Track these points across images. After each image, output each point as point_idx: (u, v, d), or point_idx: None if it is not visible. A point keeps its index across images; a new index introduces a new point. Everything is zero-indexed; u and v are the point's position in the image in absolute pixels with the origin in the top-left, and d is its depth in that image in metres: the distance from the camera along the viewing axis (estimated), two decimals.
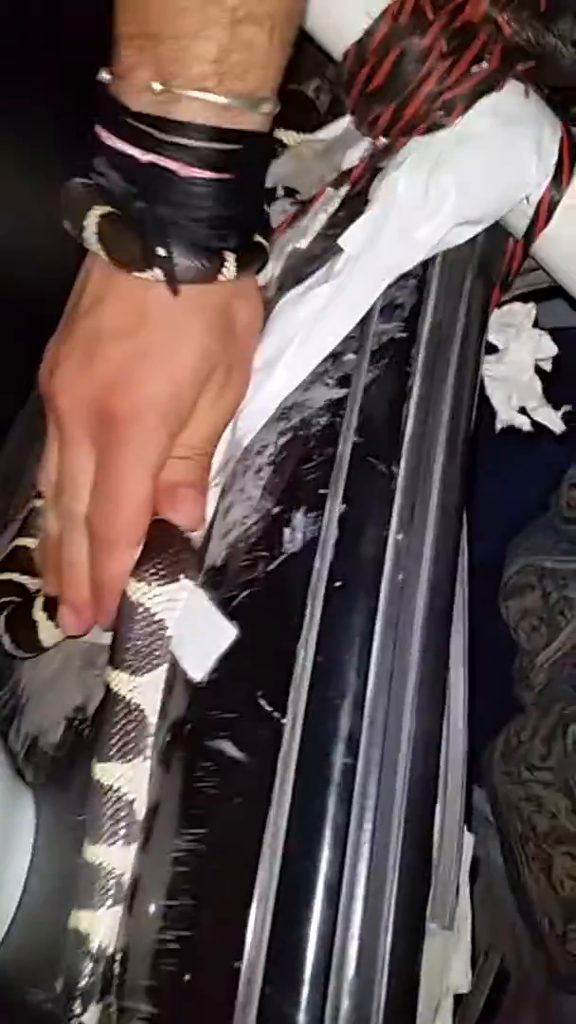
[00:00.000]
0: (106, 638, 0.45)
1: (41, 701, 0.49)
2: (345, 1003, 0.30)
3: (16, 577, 0.53)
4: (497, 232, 0.46)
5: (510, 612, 0.99)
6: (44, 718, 0.48)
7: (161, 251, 0.39)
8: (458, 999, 0.38)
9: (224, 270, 0.41)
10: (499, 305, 0.50)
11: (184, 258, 0.40)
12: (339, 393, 0.40)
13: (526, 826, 0.93)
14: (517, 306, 0.50)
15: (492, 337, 0.49)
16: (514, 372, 0.49)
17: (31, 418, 0.87)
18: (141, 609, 0.39)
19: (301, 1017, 0.29)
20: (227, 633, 0.38)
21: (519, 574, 0.97)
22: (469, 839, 0.41)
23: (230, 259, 0.41)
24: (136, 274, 0.40)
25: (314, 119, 0.51)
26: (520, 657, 0.98)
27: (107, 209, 0.41)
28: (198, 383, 0.41)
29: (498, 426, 0.50)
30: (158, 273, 0.40)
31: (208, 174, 0.40)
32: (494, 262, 0.46)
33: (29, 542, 0.54)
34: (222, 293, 0.42)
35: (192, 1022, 0.31)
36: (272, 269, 0.48)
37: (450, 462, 0.39)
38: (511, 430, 0.51)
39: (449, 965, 0.38)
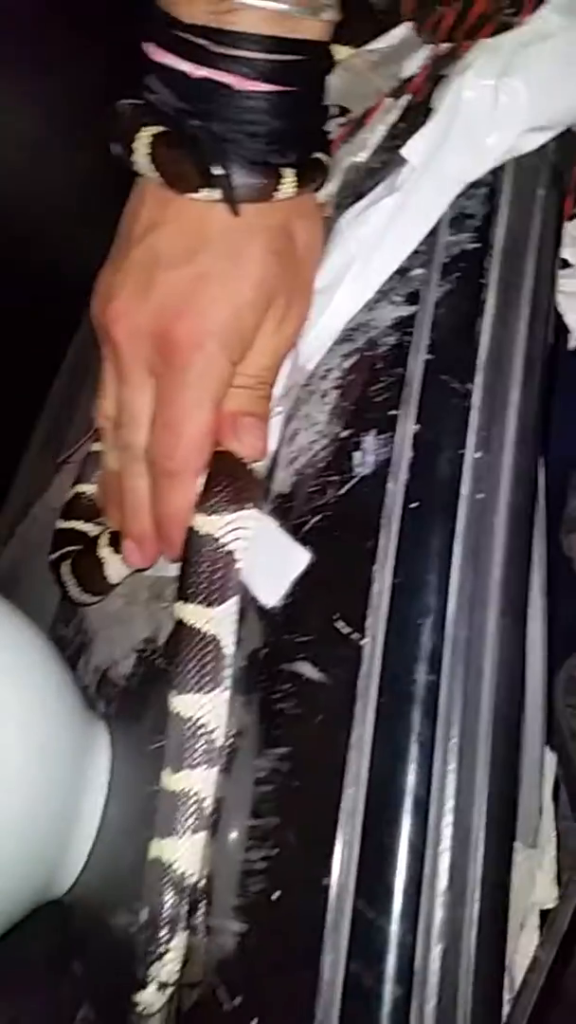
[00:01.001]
0: (172, 570, 0.45)
1: (109, 635, 0.49)
2: (438, 915, 0.29)
3: (78, 525, 0.53)
4: (569, 139, 0.43)
5: (573, 545, 0.98)
6: (113, 650, 0.48)
7: (219, 170, 0.38)
8: (543, 915, 0.38)
9: (281, 187, 0.40)
10: (570, 218, 0.47)
11: (242, 176, 0.39)
12: (407, 310, 0.39)
13: None
14: None
15: (564, 252, 0.47)
16: None
17: (77, 360, 0.86)
18: (209, 540, 0.39)
19: (393, 928, 0.29)
20: (300, 558, 0.37)
21: None
22: (551, 758, 0.40)
23: (288, 175, 0.40)
24: (191, 195, 0.39)
25: (370, 28, 0.48)
26: None
27: (159, 129, 0.40)
28: (260, 308, 0.40)
29: (571, 344, 0.48)
30: (214, 193, 0.39)
31: (265, 87, 0.38)
32: (566, 170, 0.44)
33: (88, 489, 0.54)
34: (282, 213, 0.40)
35: (283, 938, 0.31)
36: (330, 187, 0.46)
37: (528, 379, 0.37)
38: None
39: (534, 882, 0.38)
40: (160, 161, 0.39)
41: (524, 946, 0.38)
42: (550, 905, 0.39)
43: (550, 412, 0.39)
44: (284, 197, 0.40)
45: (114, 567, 0.48)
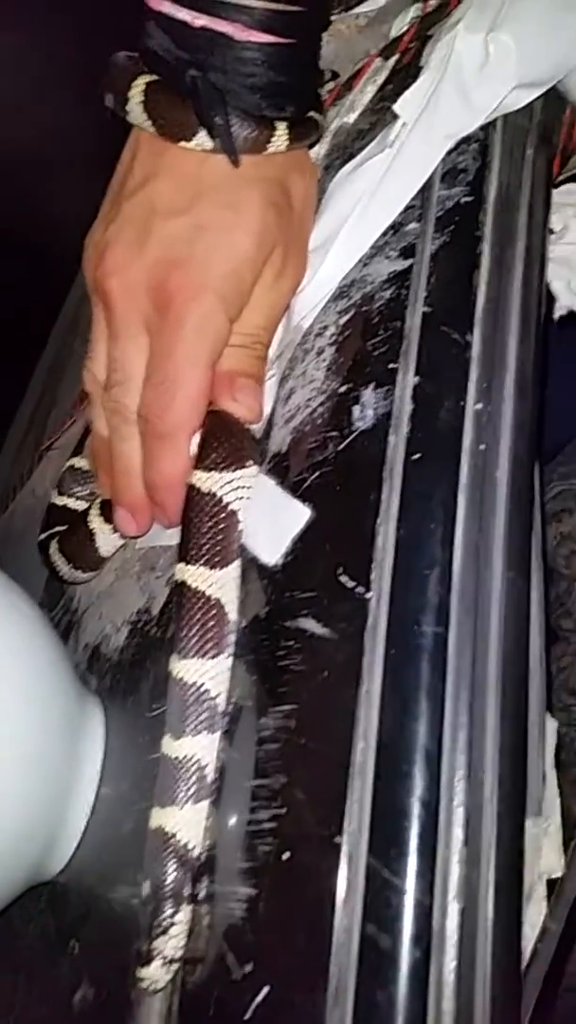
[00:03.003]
0: (165, 538, 0.44)
1: (99, 611, 0.48)
2: (455, 873, 0.29)
3: (70, 503, 0.52)
4: (555, 100, 0.43)
5: (547, 537, 0.98)
6: (105, 626, 0.47)
7: (218, 119, 0.37)
8: (550, 886, 0.37)
9: (274, 140, 0.39)
10: (555, 185, 0.47)
11: (237, 127, 0.38)
12: (403, 264, 0.38)
13: (569, 753, 0.92)
14: (574, 186, 0.48)
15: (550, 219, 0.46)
16: (574, 253, 0.47)
17: (58, 347, 0.85)
18: (211, 498, 0.38)
19: (409, 888, 0.28)
20: (300, 515, 0.36)
21: (556, 499, 0.95)
22: (552, 724, 0.40)
23: (281, 128, 0.39)
24: (183, 144, 0.38)
25: None
26: (557, 583, 0.96)
27: (153, 78, 0.39)
28: (258, 261, 0.39)
29: (557, 313, 0.48)
30: (206, 142, 0.38)
31: (265, 37, 0.37)
32: (553, 132, 0.43)
33: (84, 463, 0.52)
34: (279, 166, 0.40)
35: (294, 900, 0.30)
36: (318, 149, 0.46)
37: (525, 330, 0.37)
38: (570, 320, 0.49)
39: (540, 851, 0.37)
40: (153, 109, 0.38)
41: (532, 916, 0.37)
42: (557, 874, 0.38)
43: (547, 365, 0.39)
44: (275, 151, 0.39)
45: (105, 539, 0.46)
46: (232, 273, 0.38)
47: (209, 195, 0.38)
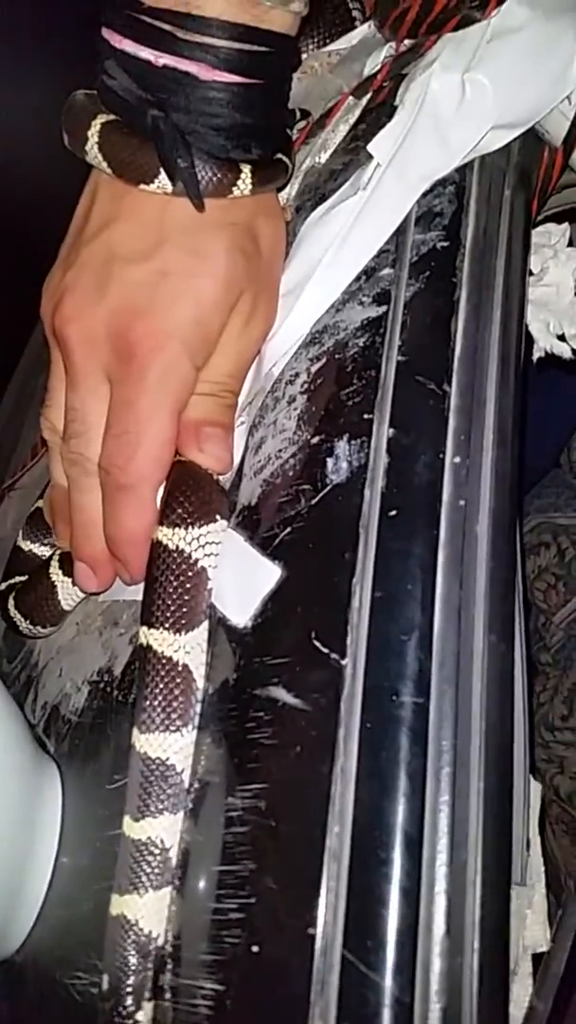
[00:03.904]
0: (128, 593, 0.42)
1: (59, 666, 0.46)
2: (436, 965, 0.27)
3: (35, 548, 0.49)
4: (533, 141, 0.42)
5: (524, 571, 0.97)
6: (65, 684, 0.44)
7: (181, 162, 0.36)
8: (536, 959, 0.35)
9: (240, 183, 0.38)
10: (534, 225, 0.46)
11: (201, 170, 0.37)
12: (376, 311, 0.37)
13: (548, 789, 0.91)
14: (552, 226, 0.47)
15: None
16: (553, 295, 0.46)
17: (22, 384, 0.83)
18: (177, 555, 0.35)
19: (388, 983, 0.26)
20: (270, 573, 0.34)
21: (533, 532, 0.94)
22: (536, 788, 0.38)
23: (246, 171, 0.38)
24: (143, 187, 0.37)
25: (338, 24, 0.47)
26: (535, 617, 0.95)
27: (109, 117, 0.37)
28: (224, 308, 0.37)
29: (535, 355, 0.47)
30: (167, 185, 0.36)
31: (231, 78, 0.36)
32: (532, 172, 0.42)
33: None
34: (246, 210, 0.38)
35: (264, 996, 0.28)
36: (289, 190, 0.44)
37: (504, 377, 0.35)
38: (549, 362, 0.48)
39: (524, 923, 0.35)
40: (110, 150, 0.37)
41: (517, 994, 0.35)
42: (543, 948, 0.36)
43: (527, 413, 0.37)
44: (240, 194, 0.38)
45: (66, 592, 0.44)
46: (197, 321, 0.36)
47: (172, 241, 0.36)
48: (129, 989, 0.30)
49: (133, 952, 0.30)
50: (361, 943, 0.27)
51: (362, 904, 0.27)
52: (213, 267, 0.37)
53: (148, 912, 0.31)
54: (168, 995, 0.30)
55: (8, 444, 0.77)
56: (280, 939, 0.28)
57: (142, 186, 0.37)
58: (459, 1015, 0.27)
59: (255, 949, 0.28)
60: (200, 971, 0.30)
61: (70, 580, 0.43)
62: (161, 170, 0.36)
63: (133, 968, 0.30)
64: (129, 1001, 0.30)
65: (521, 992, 0.35)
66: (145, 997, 0.30)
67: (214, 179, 0.37)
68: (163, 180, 0.37)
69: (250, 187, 0.38)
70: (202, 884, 0.31)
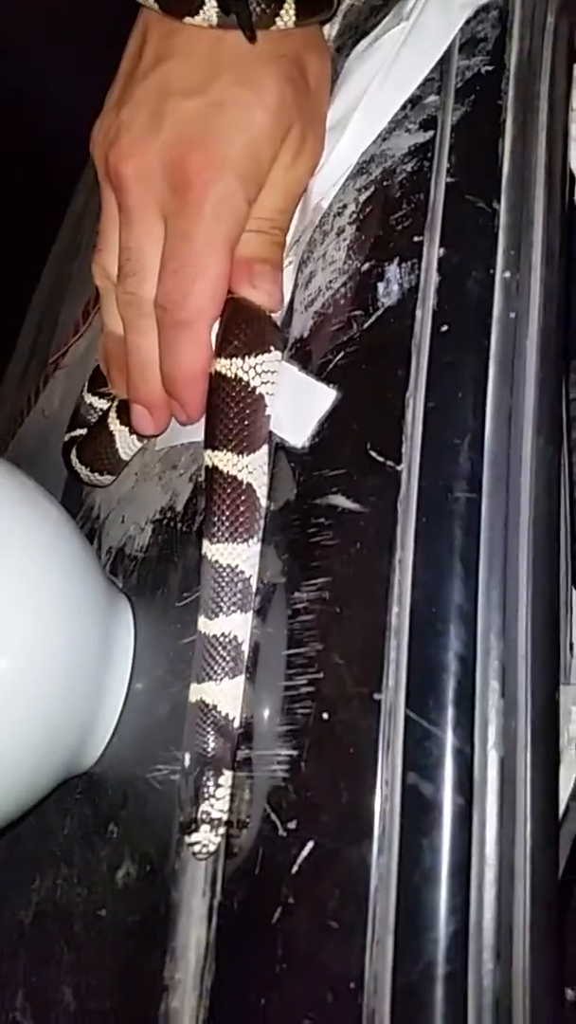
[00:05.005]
0: (185, 436, 0.44)
1: (121, 515, 0.48)
2: (493, 722, 0.29)
3: (95, 401, 0.51)
4: None
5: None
6: (128, 528, 0.47)
7: None
8: None
9: (283, 13, 0.38)
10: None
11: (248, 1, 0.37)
12: (424, 137, 0.37)
13: None
14: None
15: None
16: None
17: (58, 266, 0.83)
18: (236, 383, 0.37)
19: (449, 736, 0.29)
20: (325, 396, 0.36)
21: (572, 403, 0.94)
22: None
23: (289, 2, 0.38)
24: (188, 20, 0.37)
25: None
26: None
27: None
28: (276, 139, 0.38)
29: None
30: (212, 17, 0.37)
31: None
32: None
33: None
34: (294, 43, 0.39)
35: (335, 757, 0.31)
36: (328, 29, 0.44)
37: (551, 199, 0.36)
38: None
39: (569, 717, 0.38)
40: None
41: (563, 778, 0.38)
42: None
43: (572, 237, 0.38)
44: (283, 26, 0.38)
45: (124, 442, 0.46)
46: (250, 150, 0.37)
47: (225, 73, 0.37)
48: (211, 760, 0.33)
49: (212, 731, 0.34)
50: (423, 704, 0.29)
51: (422, 670, 0.29)
52: (265, 97, 0.37)
53: (225, 697, 0.34)
54: (246, 766, 0.34)
55: (46, 331, 0.78)
56: (348, 706, 0.31)
57: (187, 19, 0.37)
58: (515, 766, 0.29)
59: (325, 716, 0.31)
60: (275, 741, 0.33)
61: (127, 429, 0.45)
62: (205, 2, 0.37)
63: (213, 743, 0.33)
64: (211, 770, 0.33)
65: (566, 775, 0.37)
66: (226, 766, 0.33)
67: (258, 10, 0.37)
68: (208, 12, 0.37)
69: (294, 18, 0.38)
70: (273, 667, 0.34)
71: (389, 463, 0.33)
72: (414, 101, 0.38)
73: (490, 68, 0.37)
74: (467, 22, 0.39)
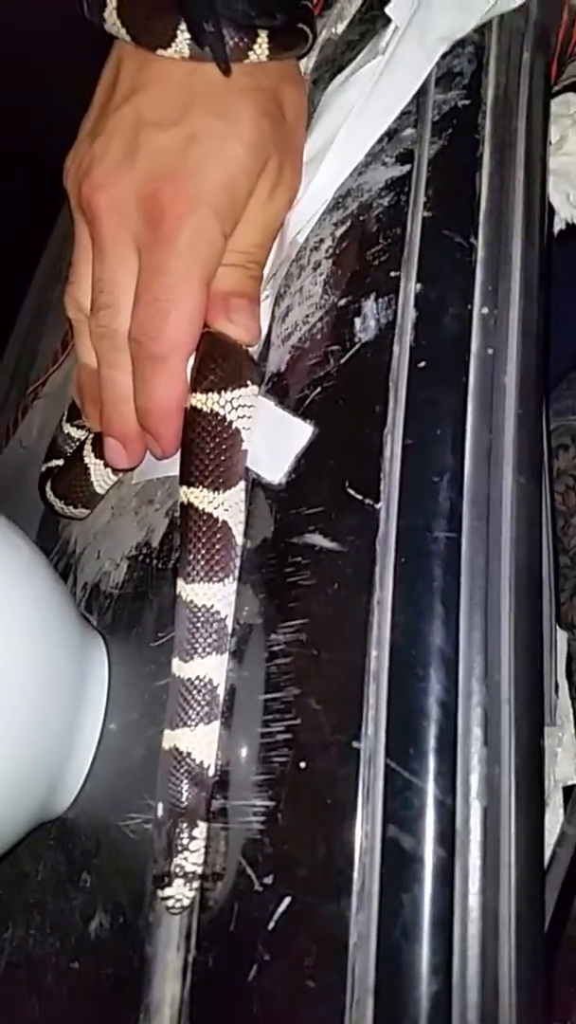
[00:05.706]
0: (161, 470, 0.43)
1: (96, 550, 0.47)
2: (476, 771, 0.28)
3: (74, 431, 0.50)
4: (550, 1, 0.42)
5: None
6: (103, 564, 0.46)
7: (208, 26, 0.36)
8: (567, 791, 0.37)
9: (256, 47, 0.38)
10: (552, 95, 0.46)
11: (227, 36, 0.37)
12: (400, 170, 0.37)
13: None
14: (571, 95, 0.47)
15: None
16: (573, 164, 0.46)
17: (39, 298, 0.83)
18: (213, 418, 0.36)
19: (430, 786, 0.28)
20: (302, 431, 0.35)
21: (551, 435, 0.94)
22: (562, 636, 0.39)
23: (262, 35, 0.38)
24: (160, 52, 0.37)
25: None
26: (555, 520, 0.96)
27: None
28: (253, 173, 0.37)
29: (556, 227, 0.47)
30: (182, 50, 0.36)
31: None
32: (551, 33, 0.42)
33: None
34: (271, 76, 0.38)
35: (313, 808, 0.30)
36: (305, 63, 0.44)
37: (529, 232, 0.36)
38: (569, 234, 0.48)
39: (555, 760, 0.37)
40: (128, 15, 0.37)
41: (550, 823, 0.37)
42: (573, 781, 0.38)
43: (551, 275, 0.38)
44: (255, 59, 0.38)
45: (99, 475, 0.45)
46: (227, 184, 0.37)
47: (201, 105, 0.37)
48: (185, 811, 0.32)
49: (186, 780, 0.32)
50: (403, 752, 0.28)
51: (402, 717, 0.29)
52: (242, 130, 0.37)
53: (200, 744, 0.33)
54: (221, 817, 0.33)
55: (26, 360, 0.78)
56: (326, 754, 0.30)
57: (159, 51, 0.37)
58: (498, 816, 0.28)
59: (303, 765, 0.30)
60: (251, 791, 0.31)
61: (102, 462, 0.45)
62: (178, 34, 0.36)
63: (187, 794, 0.32)
64: (184, 822, 0.32)
65: (552, 820, 0.37)
66: (200, 817, 0.32)
67: (231, 43, 0.37)
68: (180, 45, 0.37)
69: (267, 52, 0.38)
70: (249, 712, 0.33)
71: (367, 501, 0.32)
72: (391, 135, 0.38)
73: (467, 102, 0.37)
74: (443, 56, 0.39)
